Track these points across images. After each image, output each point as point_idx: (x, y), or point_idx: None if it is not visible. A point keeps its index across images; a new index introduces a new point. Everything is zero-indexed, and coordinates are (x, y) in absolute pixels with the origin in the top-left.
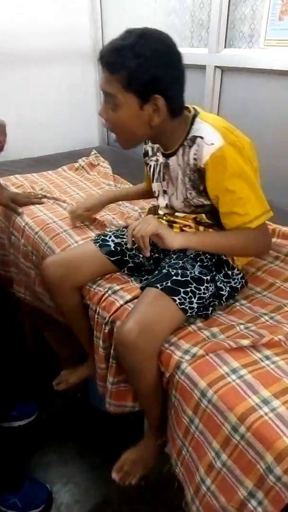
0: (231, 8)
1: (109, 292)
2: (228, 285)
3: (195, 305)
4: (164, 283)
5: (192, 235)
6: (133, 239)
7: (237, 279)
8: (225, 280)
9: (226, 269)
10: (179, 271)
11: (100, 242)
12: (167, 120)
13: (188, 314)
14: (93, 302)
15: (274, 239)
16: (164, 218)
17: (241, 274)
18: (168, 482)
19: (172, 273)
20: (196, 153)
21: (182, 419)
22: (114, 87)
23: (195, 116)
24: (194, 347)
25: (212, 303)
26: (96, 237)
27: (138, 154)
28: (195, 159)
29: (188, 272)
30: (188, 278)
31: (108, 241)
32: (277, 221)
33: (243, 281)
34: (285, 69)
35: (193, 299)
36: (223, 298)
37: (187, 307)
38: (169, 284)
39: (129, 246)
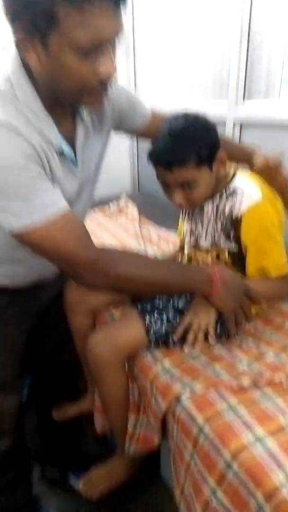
0: (248, 66)
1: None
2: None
3: (163, 331)
4: (144, 304)
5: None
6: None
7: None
8: None
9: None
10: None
11: None
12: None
13: (150, 334)
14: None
15: None
16: (186, 255)
17: None
18: None
19: (156, 297)
20: (233, 203)
21: (184, 454)
22: (189, 173)
23: (237, 171)
24: (195, 382)
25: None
26: None
27: (166, 201)
28: (231, 208)
29: (170, 302)
30: (168, 305)
31: None
32: None
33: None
34: None
35: (164, 322)
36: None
37: (151, 327)
38: (146, 305)
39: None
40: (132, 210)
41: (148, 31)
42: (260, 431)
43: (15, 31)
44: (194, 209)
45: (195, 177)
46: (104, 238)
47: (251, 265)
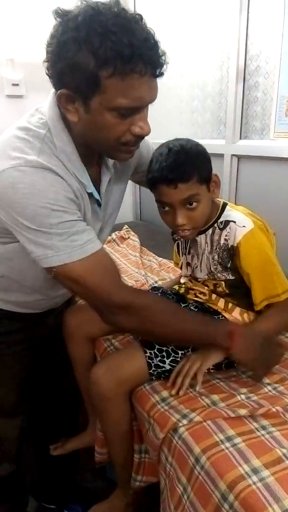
0: (244, 107)
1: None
2: None
3: (167, 366)
4: None
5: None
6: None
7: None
8: None
9: None
10: None
11: None
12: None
13: (151, 370)
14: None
15: None
16: (183, 286)
17: None
18: None
19: None
20: (227, 234)
21: (176, 488)
22: (194, 188)
23: (225, 204)
24: (192, 413)
25: None
26: None
27: (166, 228)
28: (226, 239)
29: None
30: None
31: None
32: None
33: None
34: None
35: (165, 360)
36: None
37: (153, 364)
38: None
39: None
40: (134, 239)
41: None
42: (257, 462)
43: (58, 88)
44: (192, 235)
45: (199, 192)
46: None
47: (259, 292)
